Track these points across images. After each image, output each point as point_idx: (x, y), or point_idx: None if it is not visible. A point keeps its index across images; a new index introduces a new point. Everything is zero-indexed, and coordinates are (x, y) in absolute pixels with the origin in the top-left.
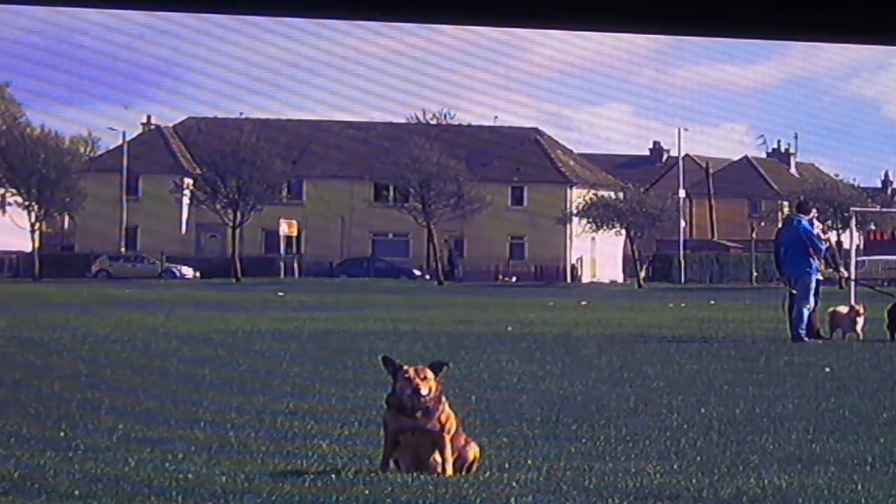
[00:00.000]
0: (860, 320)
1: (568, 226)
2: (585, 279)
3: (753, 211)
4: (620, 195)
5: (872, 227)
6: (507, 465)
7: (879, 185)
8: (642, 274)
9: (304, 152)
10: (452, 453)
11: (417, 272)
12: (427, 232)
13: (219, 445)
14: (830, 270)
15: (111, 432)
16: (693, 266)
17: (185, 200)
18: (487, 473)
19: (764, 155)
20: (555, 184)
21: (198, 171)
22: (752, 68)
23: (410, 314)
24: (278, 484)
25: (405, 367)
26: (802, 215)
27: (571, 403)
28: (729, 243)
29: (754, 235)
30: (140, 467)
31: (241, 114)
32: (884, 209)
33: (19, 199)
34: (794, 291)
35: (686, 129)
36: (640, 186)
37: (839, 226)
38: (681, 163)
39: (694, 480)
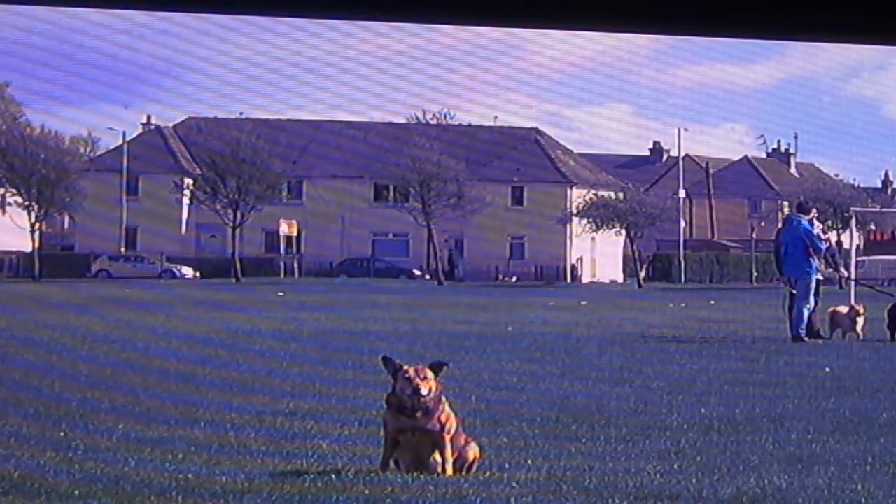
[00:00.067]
0: (860, 320)
1: (568, 226)
2: (585, 279)
3: (753, 211)
4: (620, 195)
5: (872, 227)
6: (507, 465)
7: (879, 185)
8: (642, 274)
9: (304, 152)
10: (452, 453)
11: (417, 272)
12: (427, 232)
13: (219, 445)
14: (830, 270)
15: (111, 432)
16: (693, 266)
17: (185, 200)
18: (487, 473)
19: (764, 155)
20: (555, 184)
21: (198, 171)
22: (752, 68)
23: (410, 314)
24: (278, 484)
25: (405, 367)
26: (802, 215)
27: (571, 403)
28: (729, 243)
29: (754, 235)
30: (140, 467)
31: (241, 114)
32: (884, 209)
33: (19, 199)
34: (794, 291)
35: (686, 129)
36: (640, 186)
37: (839, 226)
38: (681, 163)
39: (694, 480)
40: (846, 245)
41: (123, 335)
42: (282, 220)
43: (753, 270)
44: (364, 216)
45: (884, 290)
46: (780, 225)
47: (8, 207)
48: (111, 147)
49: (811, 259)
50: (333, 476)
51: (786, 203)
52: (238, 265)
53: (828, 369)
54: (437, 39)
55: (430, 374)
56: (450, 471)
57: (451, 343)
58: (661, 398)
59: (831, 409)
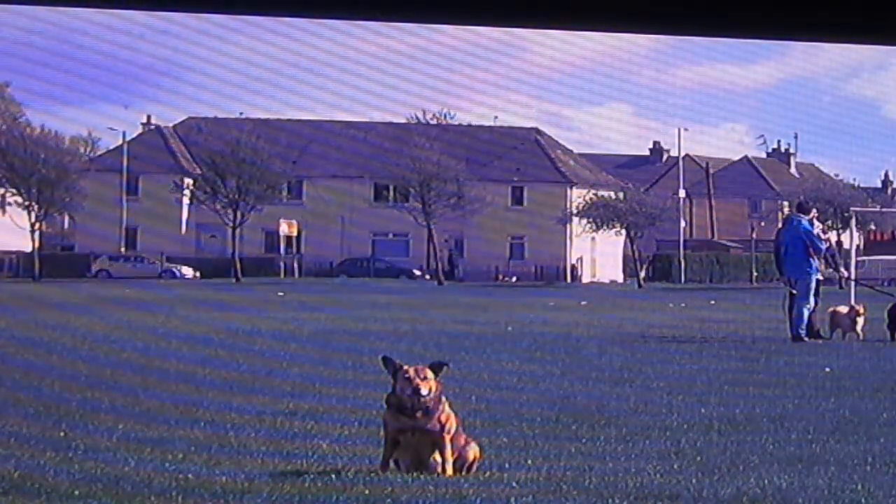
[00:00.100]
0: (860, 320)
1: (568, 226)
2: (585, 279)
3: (753, 211)
4: (620, 195)
5: (872, 227)
6: (507, 465)
7: (879, 185)
8: (642, 274)
9: (304, 152)
10: (452, 453)
11: (417, 272)
12: (427, 232)
13: (219, 445)
14: (830, 270)
15: (111, 432)
16: (693, 266)
17: (185, 200)
18: (487, 473)
19: (764, 155)
20: (555, 184)
21: (198, 171)
22: (752, 68)
23: (410, 314)
24: (278, 484)
25: (405, 367)
26: (802, 215)
27: (571, 403)
28: (729, 243)
29: (754, 235)
30: (140, 467)
31: (241, 114)
32: (884, 209)
33: (19, 199)
34: (794, 291)
35: (686, 129)
36: (640, 186)
37: (839, 226)
38: (681, 163)
39: (694, 480)
40: (846, 245)
41: (123, 335)
42: (282, 220)
43: (753, 270)
44: (364, 216)
45: (884, 290)
46: (780, 225)
47: (8, 207)
48: (111, 147)
49: (811, 259)
50: (333, 476)
51: (786, 203)
52: (238, 265)
53: (828, 369)
54: (437, 39)
55: (430, 374)
56: (450, 471)
57: (451, 343)
58: (661, 398)
59: (831, 409)
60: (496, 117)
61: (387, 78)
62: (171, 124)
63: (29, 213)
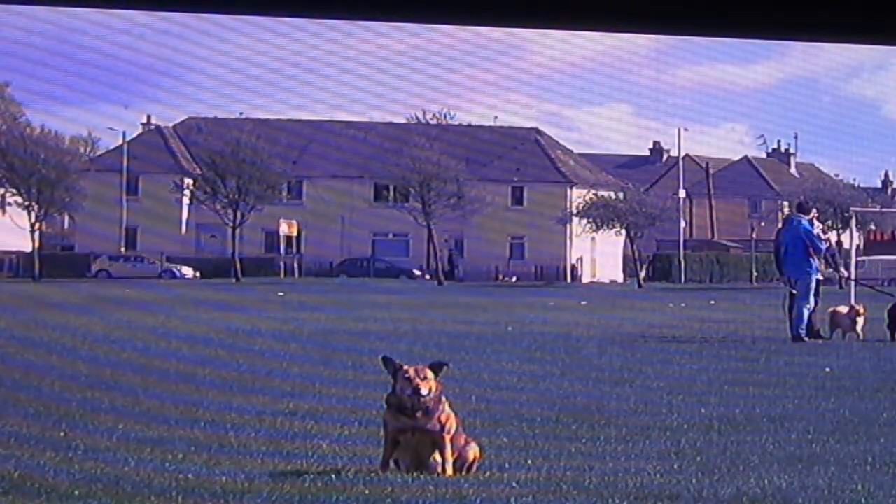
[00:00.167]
0: (860, 320)
1: (568, 226)
2: (585, 279)
3: (753, 211)
4: (620, 195)
5: (872, 227)
6: (507, 465)
7: (879, 185)
8: (642, 274)
9: (304, 152)
10: (452, 453)
11: (417, 272)
12: (427, 232)
13: (219, 445)
14: (830, 270)
15: (111, 432)
16: (693, 266)
17: (185, 200)
18: (487, 473)
19: (764, 155)
20: (555, 184)
21: (198, 171)
22: (752, 68)
23: (410, 314)
24: (278, 484)
25: (405, 367)
26: (802, 215)
27: (571, 403)
28: (729, 243)
29: (754, 235)
30: (140, 467)
31: (241, 114)
32: (884, 209)
33: (19, 199)
34: (794, 291)
35: (686, 129)
36: (640, 186)
37: (839, 226)
38: (681, 163)
39: (694, 480)
40: (846, 245)
41: (123, 335)
42: (282, 220)
43: (753, 270)
44: (364, 216)
45: (884, 290)
46: (780, 225)
47: (8, 207)
48: (111, 147)
49: (811, 259)
50: (333, 476)
51: (786, 203)
52: (238, 265)
53: (828, 369)
54: (437, 39)
55: (430, 374)
56: (450, 471)
57: (451, 343)
58: (661, 398)
59: (831, 409)
60: (496, 117)
61: (387, 78)
62: (171, 124)
63: (29, 213)
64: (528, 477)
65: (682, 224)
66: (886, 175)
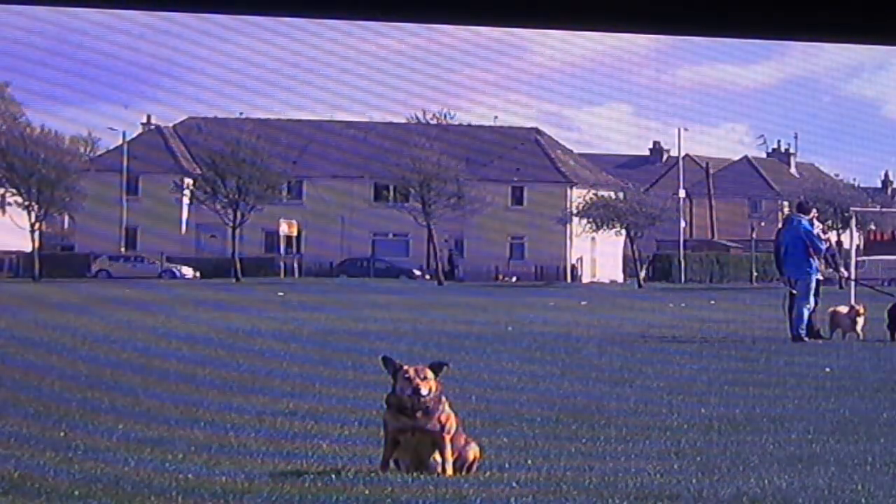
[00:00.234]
0: (860, 320)
1: (568, 226)
2: (585, 279)
3: (753, 211)
4: (620, 195)
5: (872, 227)
6: (507, 465)
7: (879, 185)
8: (642, 274)
9: (304, 152)
10: (452, 453)
11: (417, 272)
12: (427, 232)
13: (219, 445)
14: (830, 270)
15: (111, 432)
16: (693, 266)
17: (185, 200)
18: (487, 473)
19: (764, 155)
20: (555, 184)
21: (198, 171)
22: (752, 68)
23: (410, 314)
24: (278, 484)
25: (405, 367)
26: (802, 215)
27: (571, 403)
28: (729, 243)
29: (754, 235)
30: (140, 467)
31: (241, 114)
32: (884, 209)
33: (19, 199)
34: (794, 291)
35: (686, 129)
36: (640, 186)
37: (839, 226)
38: (681, 163)
39: (694, 480)
40: (846, 245)
41: (123, 335)
42: (282, 220)
43: (753, 270)
44: (364, 216)
45: (884, 290)
46: (780, 225)
47: (8, 207)
48: (111, 147)
49: (811, 259)
50: (333, 476)
51: (786, 203)
52: (238, 265)
53: (828, 369)
54: (437, 39)
55: (430, 374)
56: (450, 471)
57: (451, 343)
58: (661, 398)
59: (831, 409)
60: (496, 117)
61: (387, 78)
62: (171, 124)
63: (29, 213)
64: (528, 477)
65: (682, 224)
66: (886, 175)
